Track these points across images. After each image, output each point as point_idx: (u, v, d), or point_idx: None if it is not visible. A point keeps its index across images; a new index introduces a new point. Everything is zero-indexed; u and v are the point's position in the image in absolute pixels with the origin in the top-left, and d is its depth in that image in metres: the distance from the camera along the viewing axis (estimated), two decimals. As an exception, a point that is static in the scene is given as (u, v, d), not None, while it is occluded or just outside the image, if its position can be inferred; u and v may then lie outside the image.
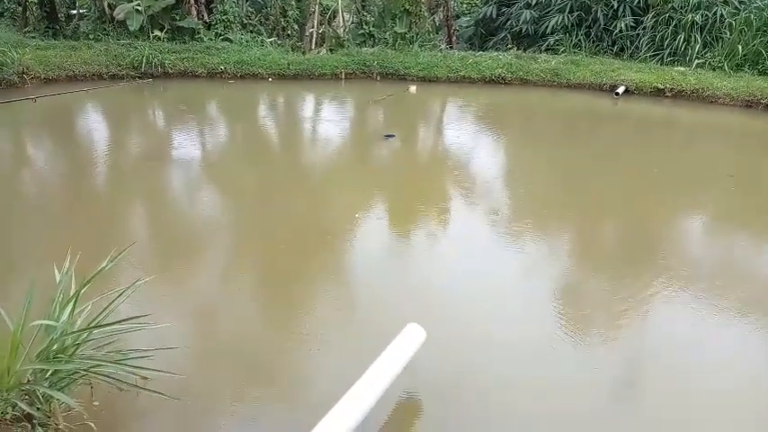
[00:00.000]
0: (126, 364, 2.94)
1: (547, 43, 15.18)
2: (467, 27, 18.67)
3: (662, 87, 12.20)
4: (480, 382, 3.75)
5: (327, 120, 10.62)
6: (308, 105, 11.99)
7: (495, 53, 14.59)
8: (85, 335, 2.95)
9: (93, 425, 2.96)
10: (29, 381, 2.84)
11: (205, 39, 14.04)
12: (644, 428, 3.44)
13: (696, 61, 13.42)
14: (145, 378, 2.97)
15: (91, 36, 13.86)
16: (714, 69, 13.20)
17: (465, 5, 20.12)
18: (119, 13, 13.58)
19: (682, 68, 13.30)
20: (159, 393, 3.00)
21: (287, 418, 3.36)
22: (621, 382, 3.85)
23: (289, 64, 13.23)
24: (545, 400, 3.59)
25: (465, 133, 9.87)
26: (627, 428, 3.45)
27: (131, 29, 13.49)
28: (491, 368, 3.87)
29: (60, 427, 2.92)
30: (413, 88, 12.72)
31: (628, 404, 3.65)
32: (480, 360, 3.93)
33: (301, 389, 3.69)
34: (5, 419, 2.77)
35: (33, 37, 13.61)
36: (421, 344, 3.50)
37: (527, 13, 15.74)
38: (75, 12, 16.02)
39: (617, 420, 3.52)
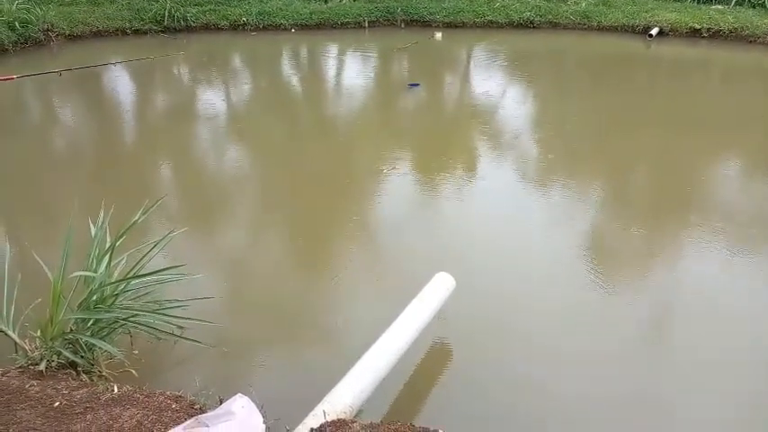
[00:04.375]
0: (163, 314, 3.02)
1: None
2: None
3: (698, 27, 11.69)
4: (509, 328, 3.78)
5: (351, 70, 10.48)
6: (331, 56, 11.81)
7: (524, -4, 14.08)
8: (123, 285, 3.03)
9: (134, 372, 3.07)
10: (71, 330, 2.94)
11: (226, -11, 13.84)
12: (674, 368, 3.45)
13: (735, -2, 12.80)
14: (181, 327, 3.05)
15: (112, -10, 13.76)
16: (754, 7, 12.58)
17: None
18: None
19: (720, 6, 12.70)
20: (196, 341, 3.08)
21: (319, 365, 3.43)
22: (651, 325, 3.85)
23: (311, 13, 12.99)
24: (574, 345, 3.60)
25: (492, 81, 9.64)
26: (657, 369, 3.46)
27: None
28: (520, 315, 3.88)
29: (103, 373, 3.03)
30: (438, 35, 12.42)
31: (657, 348, 3.65)
32: (509, 307, 3.95)
33: (333, 336, 3.76)
34: (51, 367, 2.88)
35: (56, -7, 13.56)
36: (451, 292, 3.52)
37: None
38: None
39: (646, 360, 3.53)
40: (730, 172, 6.25)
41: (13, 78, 8.89)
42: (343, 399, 2.66)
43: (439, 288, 3.46)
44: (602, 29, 12.45)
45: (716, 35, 11.59)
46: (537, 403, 3.22)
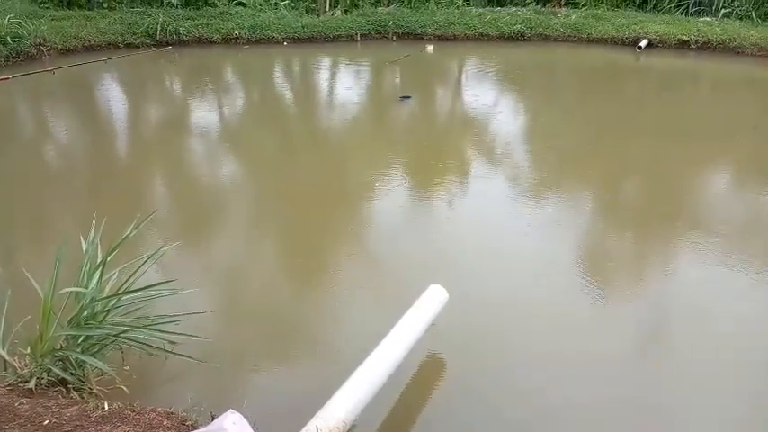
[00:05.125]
0: (154, 329, 2.99)
1: (567, -3, 14.77)
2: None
3: (686, 39, 11.84)
4: (503, 336, 3.77)
5: (344, 83, 10.52)
6: (323, 69, 11.86)
7: (514, 9, 14.24)
8: (114, 301, 3.00)
9: (125, 388, 3.04)
10: (62, 347, 2.91)
11: (218, 3, 13.91)
12: (674, 370, 3.44)
13: (722, 11, 12.99)
14: (173, 342, 3.03)
15: (105, 5, 13.80)
16: (741, 19, 12.77)
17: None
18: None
19: (707, 19, 12.87)
20: (187, 357, 3.06)
21: (312, 379, 3.41)
22: (648, 328, 3.85)
23: (303, 27, 13.06)
24: (569, 355, 3.59)
25: (484, 93, 9.70)
26: (657, 371, 3.46)
27: (144, -5, 13.40)
28: (513, 327, 3.88)
29: (94, 391, 2.99)
30: (430, 48, 12.51)
31: (656, 350, 3.65)
32: (503, 319, 3.94)
33: (326, 351, 3.74)
34: (41, 384, 2.85)
35: (48, 7, 13.58)
36: (443, 305, 3.51)
37: (546, -34, 15.28)
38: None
39: (646, 363, 3.55)
40: (720, 180, 6.31)
41: (8, 78, 8.90)
42: (336, 413, 2.64)
43: (431, 301, 3.45)
44: (592, 41, 12.60)
45: (704, 47, 11.74)
46: (534, 410, 3.21)
